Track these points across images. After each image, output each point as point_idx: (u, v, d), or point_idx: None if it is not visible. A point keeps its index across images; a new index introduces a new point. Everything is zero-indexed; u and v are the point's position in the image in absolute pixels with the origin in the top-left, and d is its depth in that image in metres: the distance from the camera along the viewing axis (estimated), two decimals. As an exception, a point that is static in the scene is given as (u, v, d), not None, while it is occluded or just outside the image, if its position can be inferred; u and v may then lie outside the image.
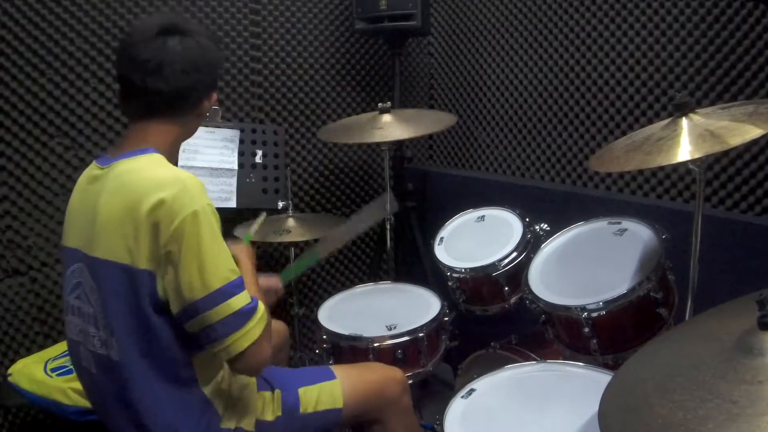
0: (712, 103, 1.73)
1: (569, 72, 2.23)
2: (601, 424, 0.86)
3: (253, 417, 1.33)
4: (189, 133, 1.32)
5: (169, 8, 2.28)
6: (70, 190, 1.30)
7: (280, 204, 2.29)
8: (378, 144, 2.19)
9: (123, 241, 1.12)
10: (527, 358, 1.71)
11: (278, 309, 2.60)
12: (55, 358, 1.83)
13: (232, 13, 2.44)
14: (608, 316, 1.42)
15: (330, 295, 2.07)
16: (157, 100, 1.20)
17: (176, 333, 1.16)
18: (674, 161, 1.15)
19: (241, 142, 2.23)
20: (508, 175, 2.58)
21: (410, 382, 1.73)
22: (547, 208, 2.03)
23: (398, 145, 2.67)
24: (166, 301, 1.13)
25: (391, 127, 2.09)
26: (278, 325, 1.79)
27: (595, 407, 0.90)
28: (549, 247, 1.72)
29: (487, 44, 2.60)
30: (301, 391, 1.42)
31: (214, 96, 1.31)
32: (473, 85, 2.71)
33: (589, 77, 2.16)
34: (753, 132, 1.09)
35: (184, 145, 2.08)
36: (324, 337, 1.81)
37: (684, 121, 1.24)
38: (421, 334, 1.76)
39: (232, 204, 2.15)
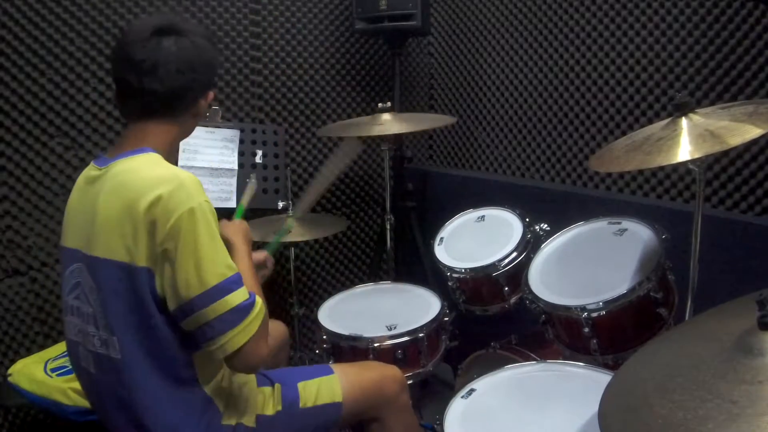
0: (712, 103, 1.73)
1: (569, 72, 2.23)
2: (601, 424, 0.86)
3: (253, 413, 1.33)
4: (186, 132, 1.33)
5: (168, 8, 2.28)
6: (70, 190, 1.30)
7: (280, 204, 2.29)
8: (378, 144, 2.20)
9: (122, 240, 1.12)
10: (527, 358, 1.71)
11: (278, 309, 2.61)
12: (55, 358, 1.83)
13: (232, 13, 2.44)
14: (608, 316, 1.42)
15: (330, 295, 2.07)
16: (154, 101, 1.20)
17: (176, 332, 1.16)
18: (674, 161, 1.15)
19: (241, 142, 2.23)
20: (508, 175, 2.58)
21: (410, 382, 1.73)
22: (547, 208, 2.03)
23: (398, 145, 2.67)
24: (164, 298, 1.13)
25: (390, 124, 2.10)
26: (278, 326, 1.79)
27: (595, 407, 0.90)
28: (549, 247, 1.72)
29: (487, 44, 2.60)
30: (300, 385, 1.43)
31: (211, 95, 1.31)
32: (473, 85, 2.71)
33: (589, 77, 2.16)
34: (753, 132, 1.09)
35: (184, 145, 2.08)
36: (324, 337, 1.81)
37: (684, 121, 1.24)
38: (421, 334, 1.76)
39: (232, 204, 2.15)
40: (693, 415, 0.75)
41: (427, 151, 3.08)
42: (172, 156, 1.28)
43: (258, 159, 2.25)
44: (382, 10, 2.39)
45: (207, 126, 2.16)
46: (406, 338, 1.75)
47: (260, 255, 1.56)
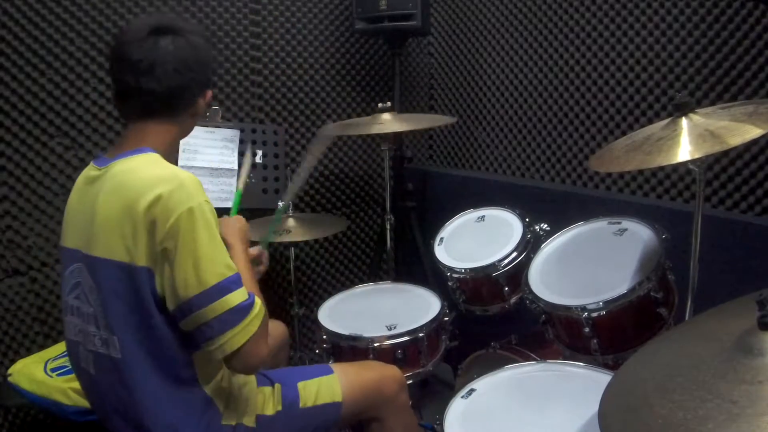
0: (712, 103, 1.73)
1: (569, 72, 2.23)
2: (601, 424, 0.86)
3: (253, 413, 1.33)
4: (186, 132, 1.33)
5: (168, 8, 2.28)
6: (70, 190, 1.30)
7: (280, 204, 2.28)
8: (378, 144, 2.20)
9: (121, 239, 1.12)
10: (527, 358, 1.71)
11: (278, 309, 2.61)
12: (55, 358, 1.83)
13: (232, 13, 2.44)
14: (608, 316, 1.42)
15: (330, 295, 2.07)
16: (151, 100, 1.20)
17: (176, 331, 1.16)
18: (674, 161, 1.15)
19: (241, 142, 2.23)
20: (508, 175, 2.58)
21: (410, 382, 1.73)
22: (547, 208, 2.03)
23: (398, 145, 2.67)
24: (164, 298, 1.13)
25: (390, 124, 2.10)
26: (278, 326, 1.79)
27: (595, 407, 0.90)
28: (549, 247, 1.72)
29: (487, 44, 2.60)
30: (300, 385, 1.43)
31: (209, 94, 1.31)
32: (473, 85, 2.71)
33: (589, 77, 2.16)
34: (753, 132, 1.09)
35: (184, 145, 2.08)
36: (324, 337, 1.81)
37: (684, 121, 1.24)
38: (421, 334, 1.76)
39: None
40: (693, 415, 0.75)
41: (427, 151, 3.08)
42: (171, 155, 1.28)
43: (258, 159, 2.25)
44: (382, 10, 2.39)
45: (207, 126, 2.16)
46: (406, 338, 1.75)
47: (254, 251, 1.54)
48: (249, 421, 1.31)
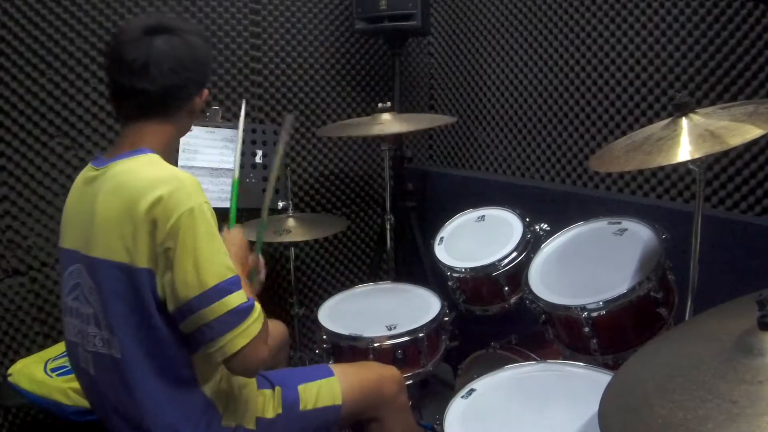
0: (712, 103, 1.73)
1: (569, 72, 2.23)
2: (601, 424, 0.86)
3: (253, 415, 1.33)
4: (183, 131, 1.32)
5: (168, 8, 2.28)
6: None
7: (280, 204, 2.29)
8: (378, 144, 2.20)
9: (121, 240, 1.12)
10: (527, 358, 1.71)
11: (278, 309, 2.61)
12: (55, 358, 1.83)
13: (232, 13, 2.44)
14: (608, 316, 1.42)
15: (330, 295, 2.07)
16: (147, 100, 1.20)
17: (176, 332, 1.15)
18: (674, 161, 1.15)
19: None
20: (508, 175, 2.58)
21: (410, 382, 1.73)
22: (547, 208, 2.03)
23: (398, 145, 2.67)
24: (164, 299, 1.13)
25: (390, 124, 2.10)
26: (278, 325, 1.79)
27: (595, 407, 0.90)
28: (549, 247, 1.72)
29: (487, 44, 2.60)
30: (300, 388, 1.43)
31: (206, 92, 1.31)
32: (473, 85, 2.71)
33: (589, 77, 2.16)
34: (753, 132, 1.09)
35: (184, 145, 2.08)
36: (324, 337, 1.81)
37: (684, 121, 1.24)
38: (421, 334, 1.76)
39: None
40: (693, 415, 0.75)
41: (427, 151, 3.08)
42: (170, 155, 1.28)
43: (258, 159, 2.25)
44: (382, 10, 2.39)
45: (207, 126, 2.16)
46: (406, 338, 1.75)
47: (252, 261, 1.48)
48: (249, 424, 1.31)
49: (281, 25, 2.57)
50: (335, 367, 1.53)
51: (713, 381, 0.79)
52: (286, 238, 2.21)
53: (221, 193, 2.14)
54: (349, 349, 1.76)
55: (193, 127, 1.39)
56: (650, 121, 1.90)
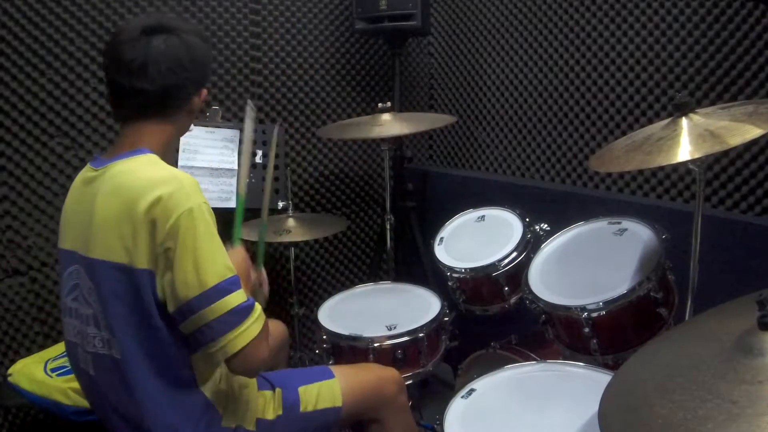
0: (712, 103, 1.73)
1: (569, 72, 2.23)
2: (601, 424, 0.86)
3: (253, 416, 1.33)
4: (182, 131, 1.32)
5: (168, 8, 2.28)
6: (70, 191, 1.30)
7: (280, 204, 2.28)
8: (378, 144, 2.20)
9: (120, 241, 1.12)
10: (527, 358, 1.71)
11: (278, 309, 2.61)
12: (55, 358, 1.83)
13: (232, 13, 2.44)
14: (608, 316, 1.42)
15: (330, 295, 2.07)
16: (145, 100, 1.20)
17: (175, 332, 1.15)
18: (674, 161, 1.15)
19: (241, 142, 2.23)
20: (508, 175, 2.58)
21: (410, 382, 1.73)
22: (547, 208, 2.03)
23: (398, 145, 2.67)
24: (164, 300, 1.13)
25: (390, 124, 2.10)
26: (278, 325, 1.79)
27: (595, 407, 0.90)
28: (549, 247, 1.72)
29: (487, 44, 2.60)
30: (301, 389, 1.43)
31: (204, 92, 1.31)
32: (473, 85, 2.71)
33: (589, 77, 2.16)
34: (753, 132, 1.09)
35: (184, 145, 2.08)
36: (324, 337, 1.81)
37: (684, 121, 1.24)
38: (421, 334, 1.76)
39: (232, 204, 2.14)
40: (693, 415, 0.75)
41: (427, 151, 3.08)
42: (169, 155, 1.28)
43: (258, 159, 2.25)
44: (382, 10, 2.39)
45: (207, 126, 2.16)
46: (406, 338, 1.75)
47: (254, 277, 1.44)
48: (249, 425, 1.31)
49: (281, 25, 2.57)
50: (335, 369, 1.53)
51: (713, 381, 0.79)
52: (286, 238, 2.21)
53: (221, 194, 2.14)
54: (349, 349, 1.76)
55: (193, 127, 1.39)
56: (650, 121, 1.90)
